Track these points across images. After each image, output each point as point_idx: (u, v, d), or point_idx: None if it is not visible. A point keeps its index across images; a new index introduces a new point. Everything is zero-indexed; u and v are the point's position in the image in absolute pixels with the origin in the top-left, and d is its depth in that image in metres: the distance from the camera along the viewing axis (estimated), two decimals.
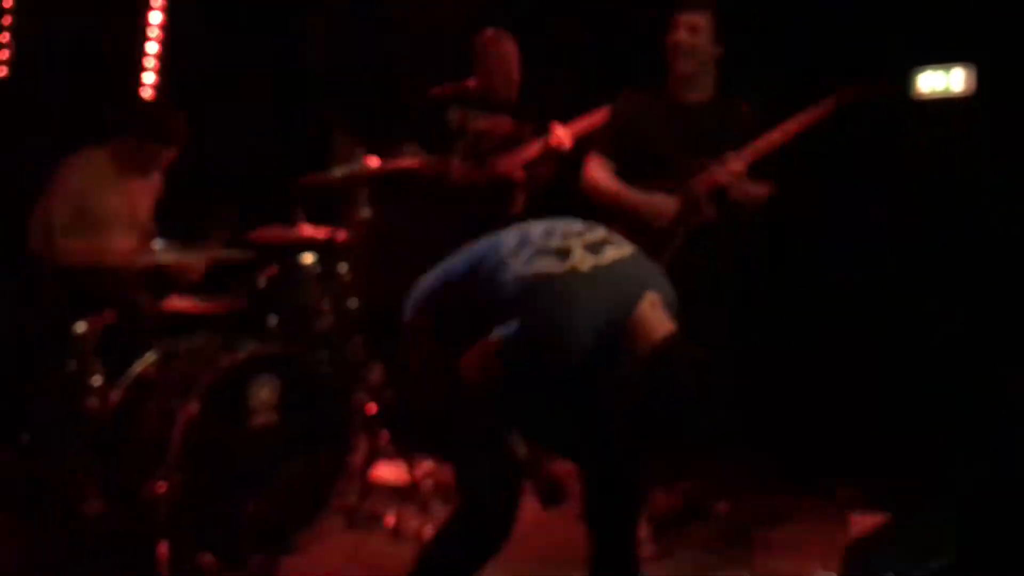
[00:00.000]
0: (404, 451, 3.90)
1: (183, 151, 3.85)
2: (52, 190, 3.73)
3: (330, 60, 4.95)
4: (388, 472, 3.96)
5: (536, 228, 2.38)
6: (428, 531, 3.45)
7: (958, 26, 4.02)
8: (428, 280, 2.54)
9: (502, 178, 4.30)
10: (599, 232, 2.38)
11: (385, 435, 3.88)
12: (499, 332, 2.23)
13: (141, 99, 4.46)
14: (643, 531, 3.17)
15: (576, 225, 2.40)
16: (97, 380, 3.15)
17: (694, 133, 3.44)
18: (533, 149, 4.26)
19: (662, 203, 3.42)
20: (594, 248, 2.31)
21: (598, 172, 3.54)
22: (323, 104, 4.95)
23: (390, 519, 3.54)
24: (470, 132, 4.28)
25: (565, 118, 4.19)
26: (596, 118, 4.09)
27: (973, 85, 4.07)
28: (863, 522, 3.32)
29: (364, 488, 3.72)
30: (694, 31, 3.43)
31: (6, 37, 4.07)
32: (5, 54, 4.07)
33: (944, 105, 4.10)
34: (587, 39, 4.94)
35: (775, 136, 3.41)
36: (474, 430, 2.35)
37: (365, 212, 3.88)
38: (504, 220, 4.28)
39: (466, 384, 2.30)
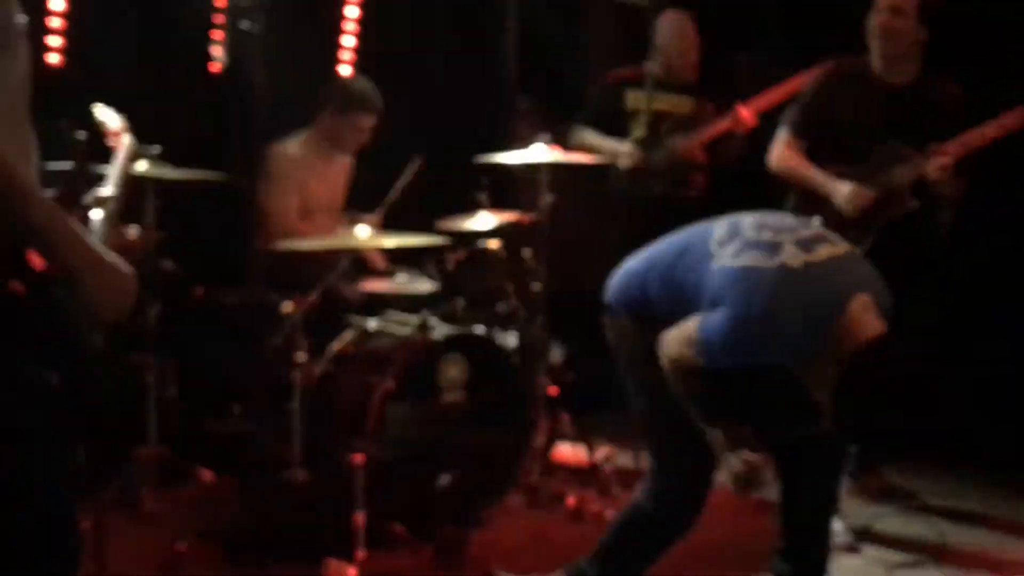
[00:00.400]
0: (584, 433, 3.99)
1: (381, 124, 4.02)
2: (272, 181, 3.95)
3: (517, 43, 5.04)
4: (568, 453, 4.05)
5: (747, 220, 2.38)
6: (609, 514, 3.52)
7: None
8: (632, 263, 2.57)
9: (683, 159, 4.31)
10: (812, 229, 2.37)
11: (566, 416, 3.97)
12: (702, 318, 2.25)
13: (339, 76, 4.66)
14: (836, 523, 3.14)
15: (788, 220, 2.39)
16: (302, 356, 3.34)
17: (897, 118, 3.34)
18: (715, 129, 4.24)
19: (859, 192, 3.34)
20: (806, 244, 2.28)
21: (789, 152, 3.48)
22: (507, 87, 5.06)
23: (571, 500, 3.62)
24: (650, 114, 4.29)
25: (746, 97, 4.16)
26: (779, 93, 4.02)
27: None
28: None
29: (545, 468, 3.83)
30: (898, 13, 3.33)
31: (220, 34, 4.34)
32: (219, 51, 4.35)
33: None
34: (770, 16, 4.86)
35: (987, 131, 3.25)
36: (672, 412, 2.38)
37: (547, 197, 3.96)
38: (686, 202, 4.38)
39: (663, 366, 2.33)
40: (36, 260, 1.74)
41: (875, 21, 3.37)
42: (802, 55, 3.93)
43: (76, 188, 2.32)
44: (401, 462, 3.29)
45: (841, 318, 2.19)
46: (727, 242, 2.32)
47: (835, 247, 2.31)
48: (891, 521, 3.46)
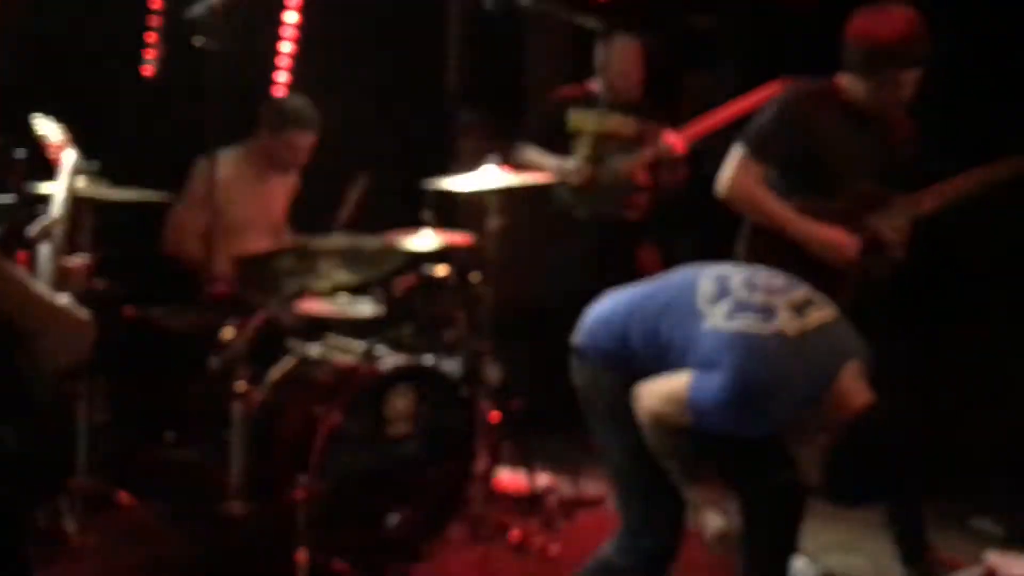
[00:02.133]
0: (525, 461, 3.94)
1: (319, 143, 3.91)
2: (188, 195, 3.82)
3: (460, 62, 4.97)
4: (509, 481, 4.00)
5: (735, 277, 2.32)
6: (553, 549, 3.49)
7: None
8: (607, 309, 2.49)
9: (626, 181, 4.29)
10: (802, 291, 2.30)
11: (508, 443, 3.91)
12: (695, 380, 2.20)
13: (273, 94, 4.54)
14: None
15: (777, 280, 2.32)
16: (241, 383, 3.21)
17: (878, 157, 3.05)
18: (649, 154, 4.24)
19: (844, 240, 3.00)
20: (799, 309, 2.23)
21: (746, 178, 3.03)
22: (451, 101, 4.98)
23: (515, 533, 3.56)
24: (591, 134, 4.27)
25: (694, 117, 4.15)
26: (720, 118, 4.02)
27: None
28: (1005, 565, 3.26)
29: (488, 496, 3.76)
30: (908, 87, 2.97)
31: (153, 37, 4.17)
32: (152, 53, 4.17)
33: None
34: (722, 38, 4.88)
35: (964, 184, 3.04)
36: (646, 468, 2.34)
37: (495, 221, 3.90)
38: (629, 223, 4.37)
39: (641, 419, 2.29)
40: None
41: (893, 96, 2.98)
42: (754, 78, 3.92)
43: (19, 223, 2.18)
44: (344, 496, 3.20)
45: (834, 387, 2.16)
46: (716, 301, 2.26)
47: (823, 311, 2.27)
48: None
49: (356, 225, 3.85)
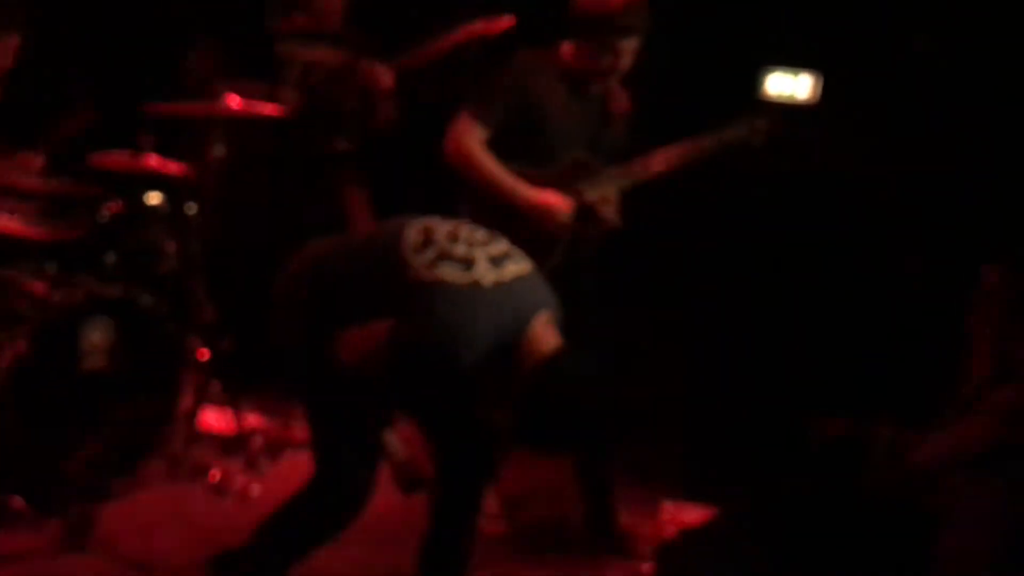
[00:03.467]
0: (233, 400, 3.84)
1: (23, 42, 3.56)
2: None
3: None
4: (215, 420, 3.89)
5: (440, 228, 2.39)
6: (254, 489, 3.44)
7: (811, 31, 4.17)
8: (312, 253, 2.50)
9: (330, 110, 4.22)
10: (501, 244, 2.41)
11: (216, 382, 3.80)
12: (395, 327, 2.24)
13: None
14: (493, 506, 3.25)
15: (479, 233, 2.42)
16: None
17: (594, 128, 3.17)
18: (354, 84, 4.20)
19: (559, 205, 3.08)
20: (497, 261, 2.34)
21: (473, 143, 3.04)
22: (180, 27, 4.69)
23: (215, 473, 3.48)
24: (298, 64, 4.20)
25: (401, 46, 4.14)
26: (428, 53, 4.04)
27: (818, 93, 4.21)
28: (678, 513, 3.53)
29: (190, 435, 3.64)
30: (627, 56, 3.09)
31: None
32: None
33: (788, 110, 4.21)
34: None
35: (672, 157, 3.20)
36: (343, 408, 2.35)
37: (219, 150, 3.74)
38: (335, 161, 4.31)
39: (343, 363, 2.29)
40: None
41: (613, 64, 3.08)
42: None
43: None
44: (29, 432, 2.99)
45: (524, 336, 2.28)
46: (421, 250, 2.33)
47: (520, 265, 2.39)
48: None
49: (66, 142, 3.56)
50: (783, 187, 4.26)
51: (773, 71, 4.18)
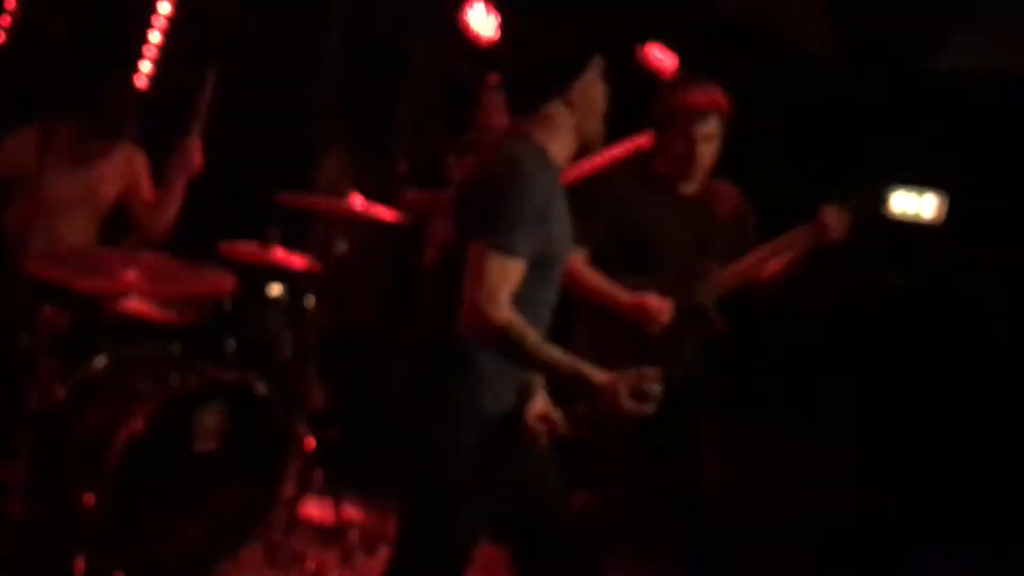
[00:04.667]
0: (334, 491, 3.88)
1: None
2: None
3: (334, 85, 4.93)
4: (316, 510, 3.94)
5: None
6: None
7: (936, 151, 4.11)
8: None
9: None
10: None
11: (319, 471, 3.85)
12: None
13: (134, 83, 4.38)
14: None
15: None
16: (44, 375, 3.07)
17: (700, 230, 3.17)
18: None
19: (655, 305, 3.06)
20: None
21: (572, 261, 2.99)
22: (320, 122, 4.93)
23: (311, 564, 3.51)
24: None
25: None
26: (586, 169, 4.08)
27: (943, 213, 4.12)
28: None
29: (290, 523, 3.69)
30: (711, 139, 3.11)
31: (12, 3, 3.99)
32: (7, 20, 3.99)
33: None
34: None
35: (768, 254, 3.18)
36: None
37: (342, 246, 3.86)
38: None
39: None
40: None
41: (688, 150, 3.11)
42: None
43: None
44: (138, 509, 3.08)
45: None
46: None
47: None
48: None
49: (190, 223, 3.74)
50: (909, 304, 4.17)
51: (897, 189, 4.14)
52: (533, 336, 2.23)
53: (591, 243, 3.10)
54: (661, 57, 4.49)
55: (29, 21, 3.98)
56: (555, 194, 2.34)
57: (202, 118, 3.70)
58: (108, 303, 3.41)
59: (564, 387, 2.31)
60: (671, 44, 4.44)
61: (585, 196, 3.11)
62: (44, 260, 3.35)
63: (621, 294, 3.09)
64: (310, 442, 3.80)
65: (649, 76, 4.54)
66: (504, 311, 2.20)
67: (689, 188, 3.19)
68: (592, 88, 2.39)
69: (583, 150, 2.46)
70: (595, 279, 3.11)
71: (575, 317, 3.17)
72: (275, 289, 3.64)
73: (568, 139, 2.41)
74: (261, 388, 3.40)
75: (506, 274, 2.21)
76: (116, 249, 3.65)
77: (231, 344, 3.51)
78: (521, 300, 2.25)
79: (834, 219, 3.16)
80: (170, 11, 4.52)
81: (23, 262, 3.35)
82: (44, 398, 3.10)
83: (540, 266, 2.30)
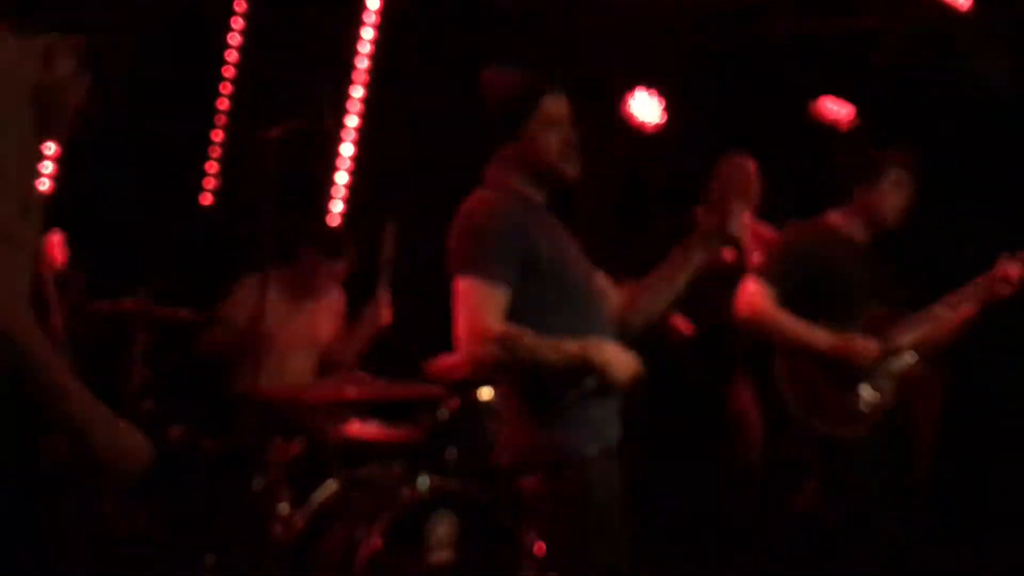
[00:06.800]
0: None
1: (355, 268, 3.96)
2: (225, 311, 3.89)
3: None
4: None
5: None
6: None
7: None
8: None
9: None
10: None
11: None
12: None
13: (328, 223, 4.63)
14: None
15: None
16: (284, 506, 3.18)
17: (873, 275, 3.32)
18: None
19: (863, 345, 3.21)
20: None
21: (766, 303, 3.25)
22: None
23: None
24: None
25: None
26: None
27: None
28: None
29: None
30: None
31: (215, 167, 4.33)
32: (212, 183, 4.32)
33: None
34: None
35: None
36: None
37: None
38: None
39: None
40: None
41: (898, 203, 3.33)
42: None
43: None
44: None
45: None
46: None
47: None
48: None
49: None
50: None
51: None
52: (530, 335, 2.27)
53: (781, 284, 3.27)
54: (836, 109, 4.43)
55: (229, 183, 4.29)
56: (530, 219, 2.40)
57: (388, 271, 3.84)
58: (332, 429, 3.54)
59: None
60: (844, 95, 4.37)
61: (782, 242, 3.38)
62: (276, 394, 3.55)
63: (825, 334, 3.22)
64: (541, 547, 3.75)
65: (825, 129, 4.47)
66: (492, 323, 2.27)
67: (858, 235, 3.36)
68: (543, 128, 2.42)
69: (553, 181, 2.48)
70: (791, 318, 3.24)
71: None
72: (485, 393, 3.67)
73: (526, 175, 2.45)
74: (485, 494, 3.40)
75: (488, 298, 2.28)
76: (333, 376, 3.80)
77: (452, 453, 3.54)
78: (552, 327, 2.31)
79: (1013, 271, 3.24)
80: (354, 152, 4.78)
81: (254, 397, 3.53)
82: (286, 527, 3.20)
83: (549, 287, 2.35)
